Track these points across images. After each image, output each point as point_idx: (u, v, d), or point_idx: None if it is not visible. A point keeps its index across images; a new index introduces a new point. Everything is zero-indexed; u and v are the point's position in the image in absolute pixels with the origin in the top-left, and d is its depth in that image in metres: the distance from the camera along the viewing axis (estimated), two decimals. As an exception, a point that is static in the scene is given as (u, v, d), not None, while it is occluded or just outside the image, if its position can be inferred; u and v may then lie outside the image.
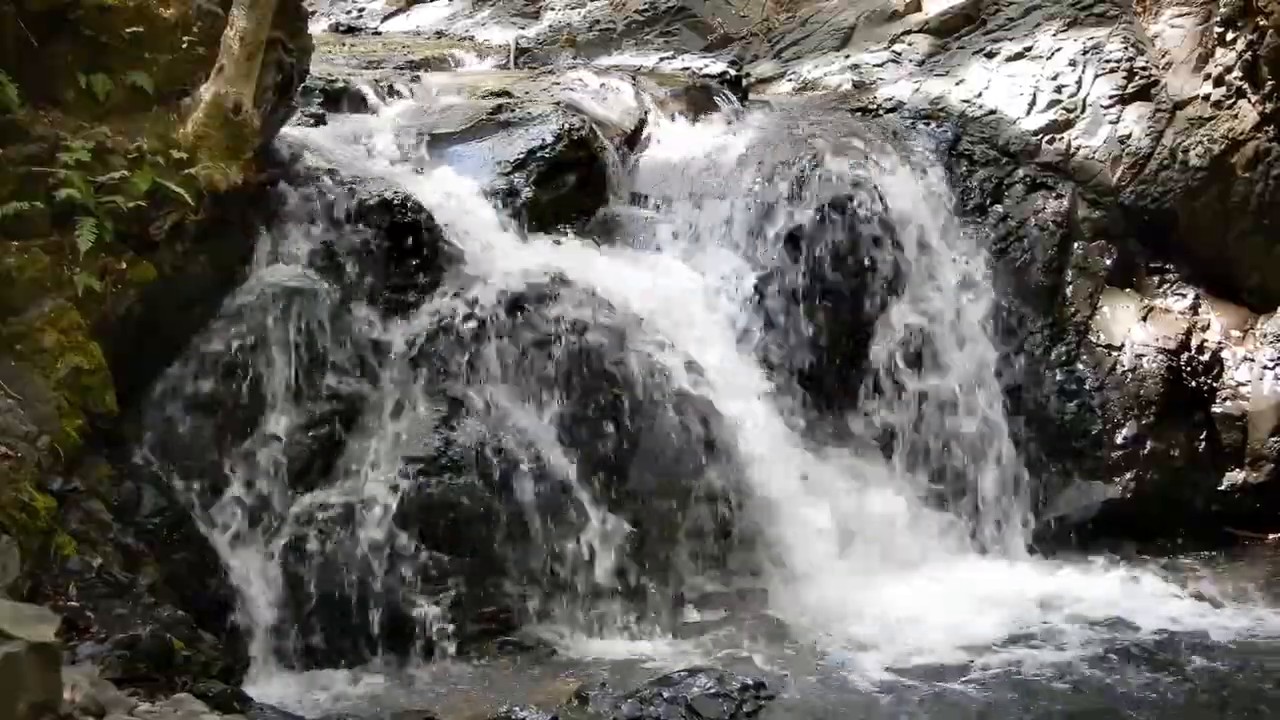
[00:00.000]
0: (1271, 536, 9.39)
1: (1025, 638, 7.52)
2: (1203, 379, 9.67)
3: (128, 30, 7.08)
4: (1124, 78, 10.23)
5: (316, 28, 12.42)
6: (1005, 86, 10.48)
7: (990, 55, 10.81)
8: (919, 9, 11.99)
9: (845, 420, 9.04)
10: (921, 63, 11.20)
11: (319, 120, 9.12)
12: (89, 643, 5.53)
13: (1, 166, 6.54)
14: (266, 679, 6.84)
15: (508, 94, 9.91)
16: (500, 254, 8.34)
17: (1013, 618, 7.80)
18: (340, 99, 9.56)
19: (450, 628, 7.17)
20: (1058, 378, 9.53)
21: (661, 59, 12.43)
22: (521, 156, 9.04)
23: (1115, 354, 9.60)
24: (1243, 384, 9.66)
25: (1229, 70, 9.86)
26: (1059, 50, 10.54)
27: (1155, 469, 9.43)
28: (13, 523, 5.67)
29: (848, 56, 11.74)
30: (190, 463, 7.07)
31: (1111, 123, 10.12)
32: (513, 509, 7.46)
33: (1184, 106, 10.05)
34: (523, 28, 14.05)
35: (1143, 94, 10.17)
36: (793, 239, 9.16)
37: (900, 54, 11.40)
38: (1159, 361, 9.57)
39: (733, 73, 11.49)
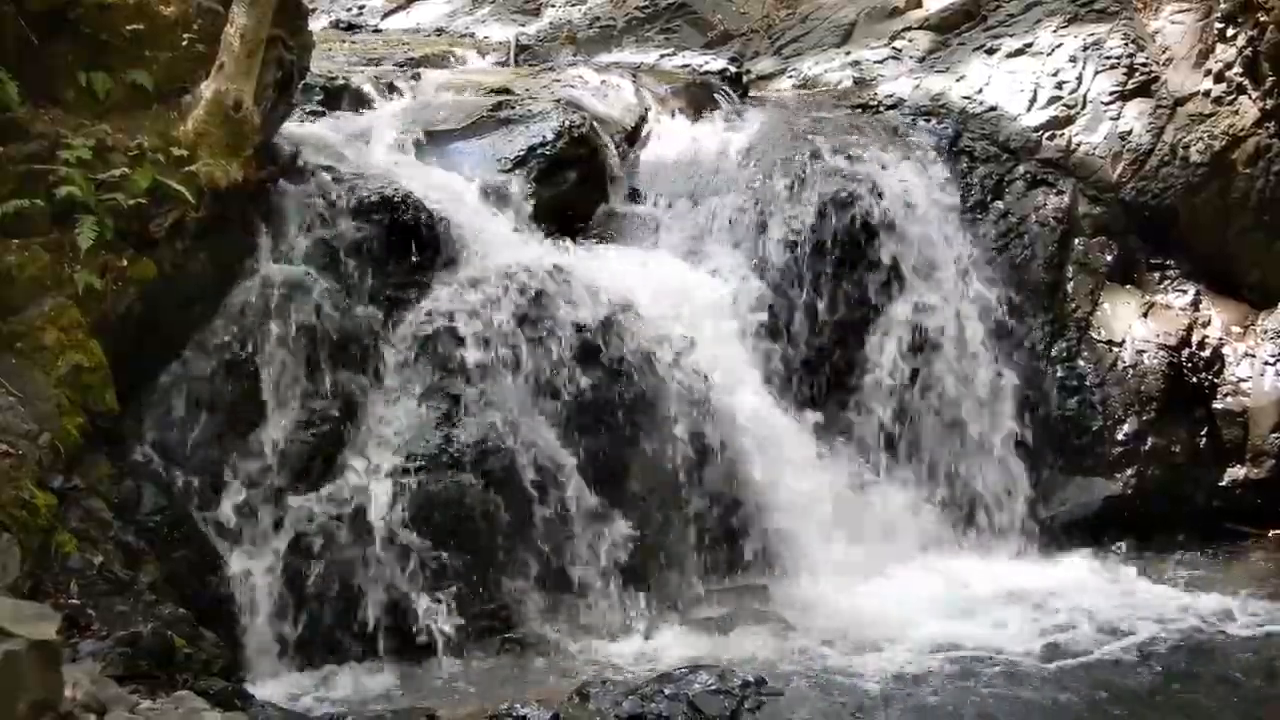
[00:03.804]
0: (1273, 532, 9.38)
1: (1025, 634, 7.52)
2: (1203, 375, 9.66)
3: (128, 28, 7.08)
4: (1124, 74, 10.22)
5: (316, 25, 12.40)
6: (1006, 83, 10.48)
7: (991, 52, 10.81)
8: (919, 5, 11.98)
9: (845, 416, 9.04)
10: (922, 59, 11.20)
11: (320, 117, 9.13)
12: (90, 640, 5.53)
13: (2, 165, 6.54)
14: (267, 676, 6.84)
15: (508, 91, 9.90)
16: (500, 250, 8.33)
17: (1013, 614, 7.81)
18: (341, 96, 9.57)
19: (451, 625, 7.17)
20: (1059, 374, 9.53)
21: (662, 56, 12.44)
22: (522, 153, 9.06)
23: (1116, 350, 9.59)
24: (1243, 380, 9.66)
25: (1229, 66, 9.86)
26: (1059, 46, 10.53)
27: (1156, 465, 9.42)
28: (13, 521, 5.67)
29: (848, 53, 11.74)
30: (191, 460, 7.07)
31: (1112, 119, 10.12)
32: (513, 506, 7.46)
33: (1184, 103, 10.05)
34: (523, 25, 14.04)
35: (1143, 90, 10.17)
36: (792, 236, 9.16)
37: (901, 50, 11.40)
38: (1160, 358, 9.57)
39: (733, 70, 11.50)
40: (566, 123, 9.32)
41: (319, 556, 7.11)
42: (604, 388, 7.94)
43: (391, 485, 7.30)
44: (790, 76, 11.85)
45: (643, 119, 10.28)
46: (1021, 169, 10.04)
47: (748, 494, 8.12)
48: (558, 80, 10.46)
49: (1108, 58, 10.31)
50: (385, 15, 15.73)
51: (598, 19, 13.66)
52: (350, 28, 14.80)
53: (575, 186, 9.22)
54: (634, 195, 9.67)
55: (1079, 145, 10.10)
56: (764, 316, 8.92)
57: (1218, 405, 9.65)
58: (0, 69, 6.63)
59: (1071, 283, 9.76)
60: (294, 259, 7.68)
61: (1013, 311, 9.52)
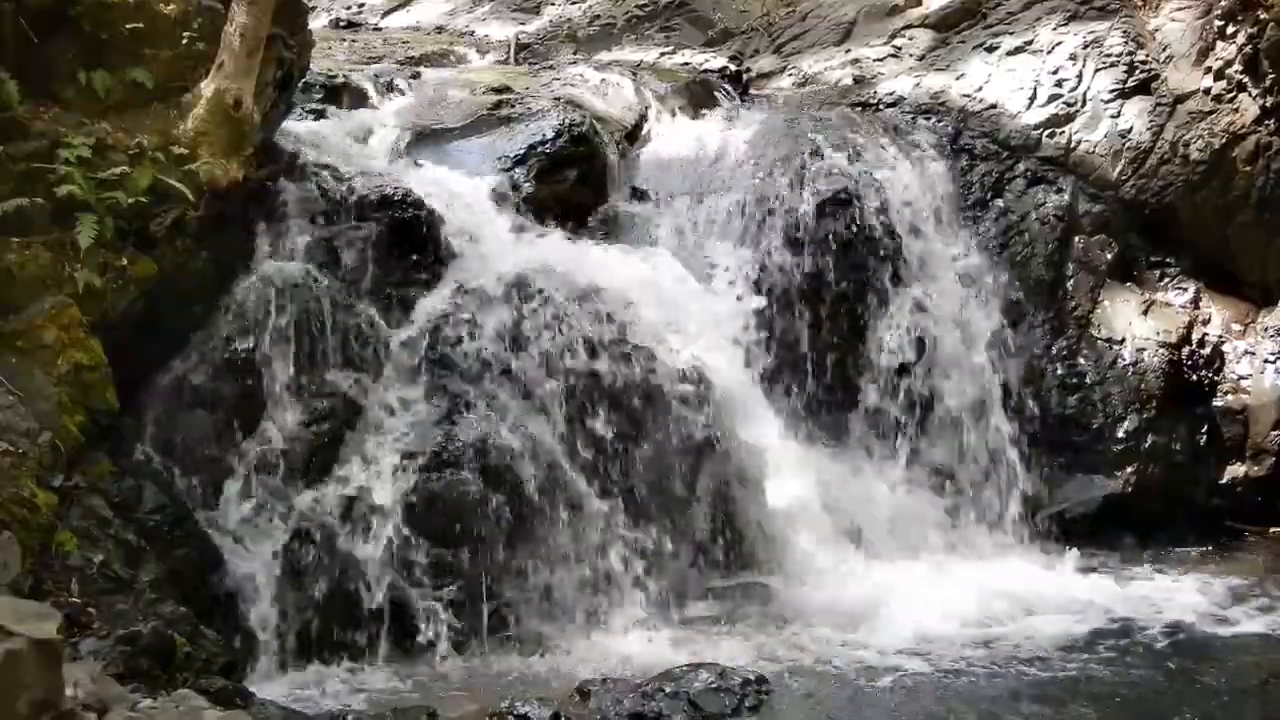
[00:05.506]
0: (1272, 530, 9.39)
1: (1026, 631, 7.52)
2: (1204, 373, 9.67)
3: (128, 26, 7.08)
4: (1124, 72, 10.22)
5: (316, 23, 12.40)
6: (1006, 81, 10.48)
7: (991, 49, 10.80)
8: (919, 3, 11.97)
9: (845, 414, 9.04)
10: (922, 57, 11.20)
11: (319, 116, 9.12)
12: (91, 639, 5.52)
13: (2, 163, 6.52)
14: (268, 675, 6.84)
15: (508, 89, 9.91)
16: (500, 249, 8.33)
17: (1013, 611, 7.80)
18: (340, 94, 9.56)
19: (451, 623, 7.17)
20: (1059, 371, 9.53)
21: (662, 54, 12.44)
22: (522, 152, 9.06)
23: (1116, 348, 9.59)
24: (1243, 378, 9.67)
25: (1229, 64, 9.86)
26: (1059, 44, 10.53)
27: (1156, 463, 9.43)
28: (14, 519, 5.67)
29: (848, 51, 11.73)
30: (191, 459, 7.07)
31: (1112, 117, 10.12)
32: (513, 504, 7.46)
33: (1184, 100, 10.05)
34: (523, 23, 14.03)
35: (1143, 88, 10.17)
36: (792, 233, 9.17)
37: (901, 48, 11.40)
38: (1160, 355, 9.57)
39: (733, 68, 11.51)
40: (566, 121, 9.32)
41: (319, 555, 7.12)
42: (604, 385, 7.94)
43: (392, 483, 7.30)
44: (790, 74, 11.84)
45: (643, 117, 10.28)
46: (1021, 167, 10.04)
47: (747, 493, 8.12)
48: (558, 78, 10.46)
49: (1108, 55, 10.31)
50: (385, 14, 15.70)
51: (598, 17, 13.66)
52: (350, 26, 14.79)
53: (575, 184, 9.21)
54: (634, 193, 9.66)
55: (1079, 143, 10.10)
56: (763, 314, 8.93)
57: (1218, 403, 9.66)
58: (0, 68, 6.62)
59: (1072, 280, 9.76)
60: (294, 257, 7.68)
61: (1013, 309, 9.53)
